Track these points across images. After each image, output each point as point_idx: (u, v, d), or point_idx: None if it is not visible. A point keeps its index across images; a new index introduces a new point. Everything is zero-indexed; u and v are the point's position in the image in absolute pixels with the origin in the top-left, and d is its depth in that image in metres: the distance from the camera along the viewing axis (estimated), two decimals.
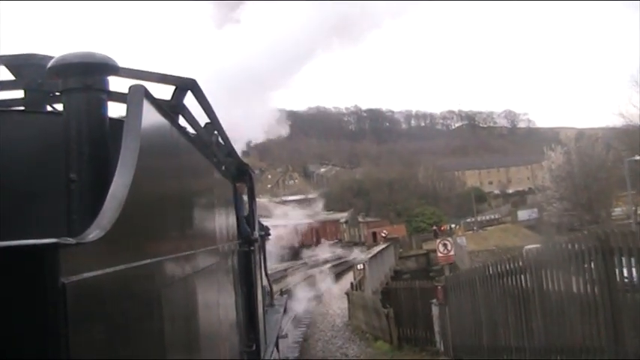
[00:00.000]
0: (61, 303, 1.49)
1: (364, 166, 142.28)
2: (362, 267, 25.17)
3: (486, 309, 9.93)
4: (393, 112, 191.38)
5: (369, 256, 28.19)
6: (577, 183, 48.86)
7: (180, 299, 3.00)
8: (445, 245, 17.50)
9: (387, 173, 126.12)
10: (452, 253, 17.38)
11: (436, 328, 13.25)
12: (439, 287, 11.85)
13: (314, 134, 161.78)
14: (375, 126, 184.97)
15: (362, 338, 16.72)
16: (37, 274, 1.44)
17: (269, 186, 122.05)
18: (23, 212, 2.85)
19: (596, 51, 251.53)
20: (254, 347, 6.27)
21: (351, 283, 21.80)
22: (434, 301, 13.36)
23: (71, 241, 1.61)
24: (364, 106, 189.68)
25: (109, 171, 2.34)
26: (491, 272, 9.88)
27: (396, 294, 14.91)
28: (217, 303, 4.26)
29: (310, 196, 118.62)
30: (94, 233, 1.82)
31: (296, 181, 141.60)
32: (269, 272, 10.92)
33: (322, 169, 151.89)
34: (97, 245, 1.79)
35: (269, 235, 13.58)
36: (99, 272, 1.79)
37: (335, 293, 28.48)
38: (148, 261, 2.36)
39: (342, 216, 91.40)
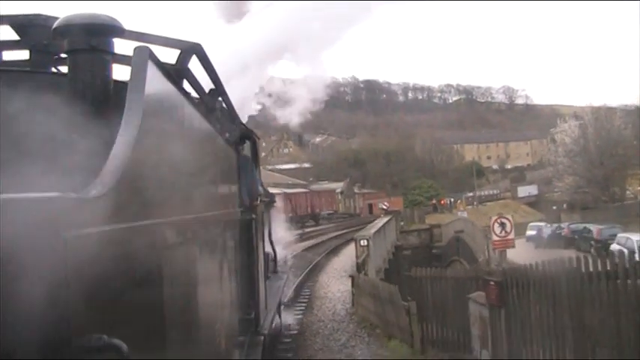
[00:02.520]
0: (61, 256, 1.54)
1: (360, 137, 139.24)
2: (365, 243, 21.96)
3: (585, 323, 6.70)
4: (390, 83, 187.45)
5: (373, 230, 25.07)
6: (592, 158, 45.41)
7: (179, 262, 3.01)
8: (503, 225, 13.58)
9: (383, 144, 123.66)
10: (511, 236, 13.53)
11: (474, 332, 10.09)
12: (492, 283, 8.62)
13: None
14: (371, 97, 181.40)
15: (371, 334, 13.56)
16: (38, 227, 1.46)
17: (263, 154, 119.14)
18: (27, 172, 2.47)
19: (595, 30, 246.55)
20: (252, 315, 6.21)
21: (357, 264, 18.56)
22: (472, 296, 10.20)
23: (73, 195, 1.69)
24: (361, 77, 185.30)
25: (113, 132, 2.32)
26: (599, 268, 6.59)
27: (421, 284, 11.76)
28: (216, 269, 4.19)
29: (305, 165, 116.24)
30: (96, 190, 1.87)
31: (290, 149, 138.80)
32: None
33: (318, 139, 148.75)
34: (98, 202, 1.85)
35: (274, 202, 12.85)
36: (100, 229, 1.85)
37: (333, 272, 25.31)
38: (149, 222, 2.46)
39: (338, 186, 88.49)
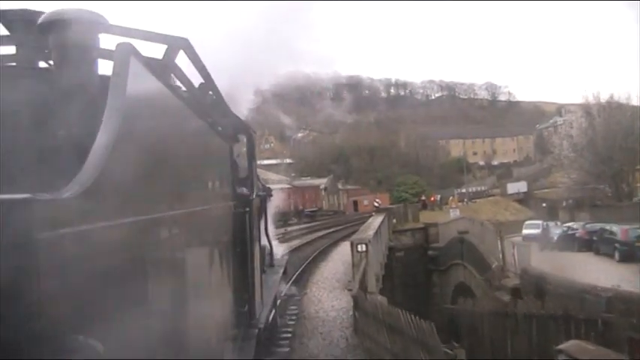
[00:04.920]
0: (33, 257, 1.50)
1: (343, 133, 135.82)
2: (364, 248, 18.14)
3: None
4: (372, 79, 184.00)
5: (371, 232, 21.30)
6: (600, 152, 41.60)
7: (165, 259, 3.01)
8: None
9: (367, 140, 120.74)
10: None
11: None
12: None
13: (292, 98, 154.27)
14: (354, 93, 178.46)
15: None
16: (11, 228, 1.45)
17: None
18: (12, 167, 2.59)
19: (578, 27, 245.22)
20: (246, 308, 6.16)
21: (359, 280, 14.66)
22: (564, 348, 6.44)
23: (45, 196, 1.64)
24: (343, 73, 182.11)
25: (98, 127, 2.30)
26: None
27: (472, 320, 7.98)
28: (206, 264, 4.16)
29: (287, 160, 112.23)
30: (72, 190, 1.86)
31: (272, 145, 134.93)
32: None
33: (300, 134, 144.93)
34: (75, 202, 1.82)
35: (271, 195, 12.34)
36: (77, 228, 1.82)
37: (324, 281, 21.36)
38: (131, 219, 2.38)
39: (321, 182, 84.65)
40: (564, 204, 51.97)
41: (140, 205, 2.56)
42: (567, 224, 36.71)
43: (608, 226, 27.82)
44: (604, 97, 44.99)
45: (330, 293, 18.49)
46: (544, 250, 33.23)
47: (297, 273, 22.27)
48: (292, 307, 16.36)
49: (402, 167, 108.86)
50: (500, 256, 22.64)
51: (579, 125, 44.42)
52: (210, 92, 5.02)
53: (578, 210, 42.57)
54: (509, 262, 22.03)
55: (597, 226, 29.87)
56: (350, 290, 17.82)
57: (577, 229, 31.87)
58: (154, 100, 3.00)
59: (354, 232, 41.03)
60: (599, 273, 20.74)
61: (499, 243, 23.41)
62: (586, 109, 45.25)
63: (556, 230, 34.97)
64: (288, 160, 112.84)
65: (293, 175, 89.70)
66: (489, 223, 29.32)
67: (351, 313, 14.78)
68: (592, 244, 28.40)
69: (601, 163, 41.56)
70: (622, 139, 40.94)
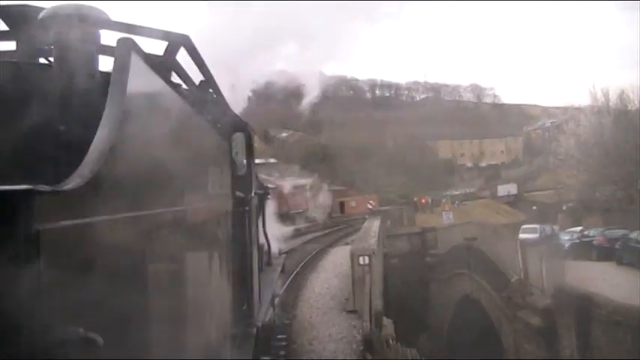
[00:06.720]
0: (34, 249, 1.48)
1: (328, 133, 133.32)
2: (366, 261, 14.88)
3: None
4: (357, 80, 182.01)
5: (373, 240, 18.04)
6: (609, 152, 38.58)
7: (164, 255, 2.97)
8: None
9: (353, 140, 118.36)
10: None
11: None
12: None
13: (275, 98, 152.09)
14: (338, 93, 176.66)
15: None
16: (11, 220, 1.43)
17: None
18: (13, 163, 2.54)
19: (563, 31, 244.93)
20: (245, 306, 6.09)
21: (371, 317, 11.33)
22: None
23: (46, 188, 1.60)
24: (328, 73, 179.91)
25: (98, 123, 2.30)
26: None
27: None
28: (204, 261, 4.14)
29: (271, 160, 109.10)
30: (72, 182, 1.82)
31: (255, 144, 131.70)
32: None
33: (284, 134, 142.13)
34: (75, 194, 1.78)
35: (269, 194, 12.25)
36: (77, 221, 1.79)
37: (317, 299, 17.89)
38: (131, 214, 2.36)
39: (306, 182, 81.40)
40: (564, 207, 49.22)
41: (139, 200, 2.49)
42: (573, 229, 33.85)
43: (634, 234, 24.82)
44: (614, 94, 42.31)
45: (324, 315, 15.12)
46: (553, 258, 30.20)
47: (284, 286, 18.84)
48: (280, 337, 12.94)
49: (390, 168, 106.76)
50: (522, 271, 19.47)
51: (587, 122, 41.46)
52: (210, 90, 5.03)
53: (588, 214, 39.46)
54: (532, 277, 18.87)
55: (619, 232, 26.93)
56: (350, 312, 14.50)
57: (594, 236, 28.87)
58: (154, 97, 3.00)
59: (343, 237, 37.59)
60: (630, 287, 18.02)
61: (519, 253, 20.25)
62: (594, 107, 42.39)
63: (565, 236, 32.00)
64: (272, 160, 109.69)
65: (277, 175, 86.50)
66: (505, 230, 26.21)
67: (354, 345, 11.52)
68: (614, 252, 25.43)
69: (611, 164, 38.59)
70: (633, 138, 38.08)
